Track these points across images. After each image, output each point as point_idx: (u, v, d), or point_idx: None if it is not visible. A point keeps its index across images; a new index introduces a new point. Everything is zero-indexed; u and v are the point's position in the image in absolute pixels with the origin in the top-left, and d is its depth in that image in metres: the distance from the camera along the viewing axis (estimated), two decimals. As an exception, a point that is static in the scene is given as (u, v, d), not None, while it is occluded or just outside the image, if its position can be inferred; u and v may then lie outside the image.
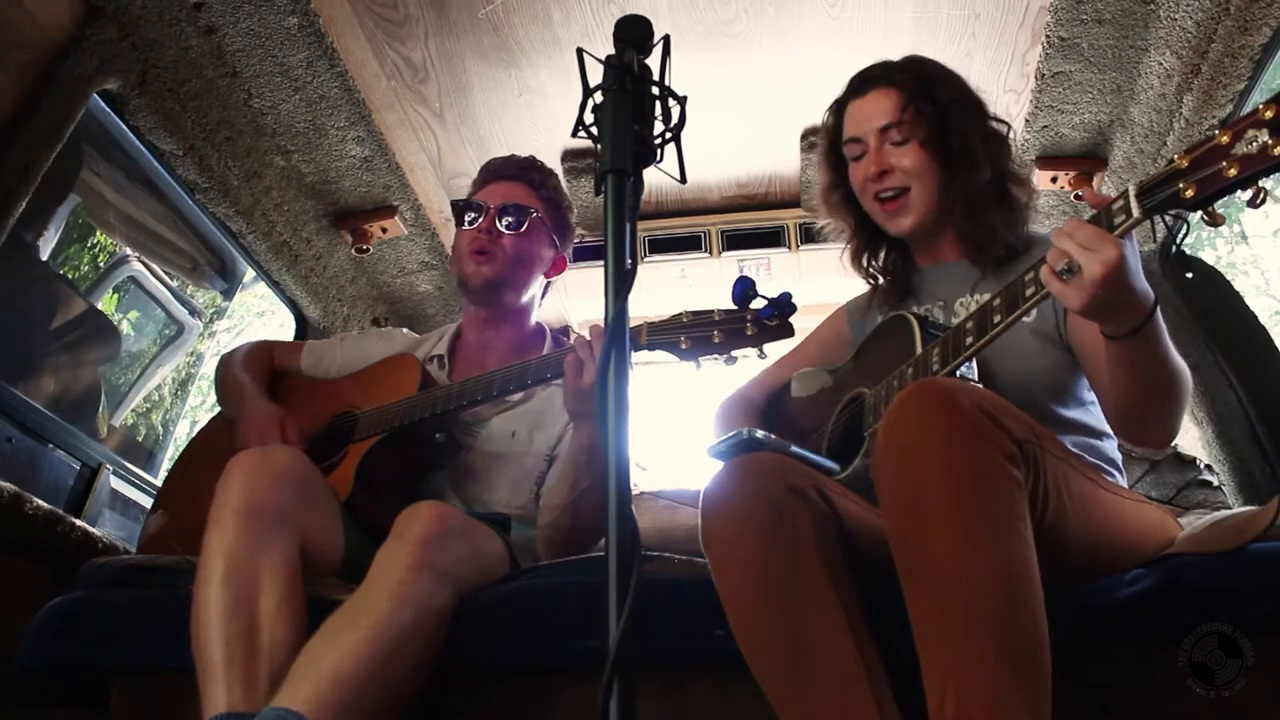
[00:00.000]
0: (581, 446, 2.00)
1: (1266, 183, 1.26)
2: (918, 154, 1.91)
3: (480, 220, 2.31)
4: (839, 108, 2.05)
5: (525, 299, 2.39)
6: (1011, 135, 1.98)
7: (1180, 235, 1.42)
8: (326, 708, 1.41)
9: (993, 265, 1.92)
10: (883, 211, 1.95)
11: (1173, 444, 2.81)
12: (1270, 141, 1.21)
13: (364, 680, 1.46)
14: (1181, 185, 1.29)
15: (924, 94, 1.93)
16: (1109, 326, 1.46)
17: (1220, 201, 1.31)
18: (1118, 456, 1.87)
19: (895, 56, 2.04)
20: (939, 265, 2.01)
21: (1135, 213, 1.35)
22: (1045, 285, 1.42)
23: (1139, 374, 1.52)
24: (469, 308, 2.41)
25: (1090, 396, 1.86)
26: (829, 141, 2.07)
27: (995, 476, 1.31)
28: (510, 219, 2.31)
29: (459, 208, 2.36)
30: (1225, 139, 1.26)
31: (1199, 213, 1.31)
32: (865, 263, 2.11)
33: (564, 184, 2.53)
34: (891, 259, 2.10)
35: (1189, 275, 2.74)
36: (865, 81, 2.00)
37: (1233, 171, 1.24)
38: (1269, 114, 1.21)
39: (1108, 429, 1.86)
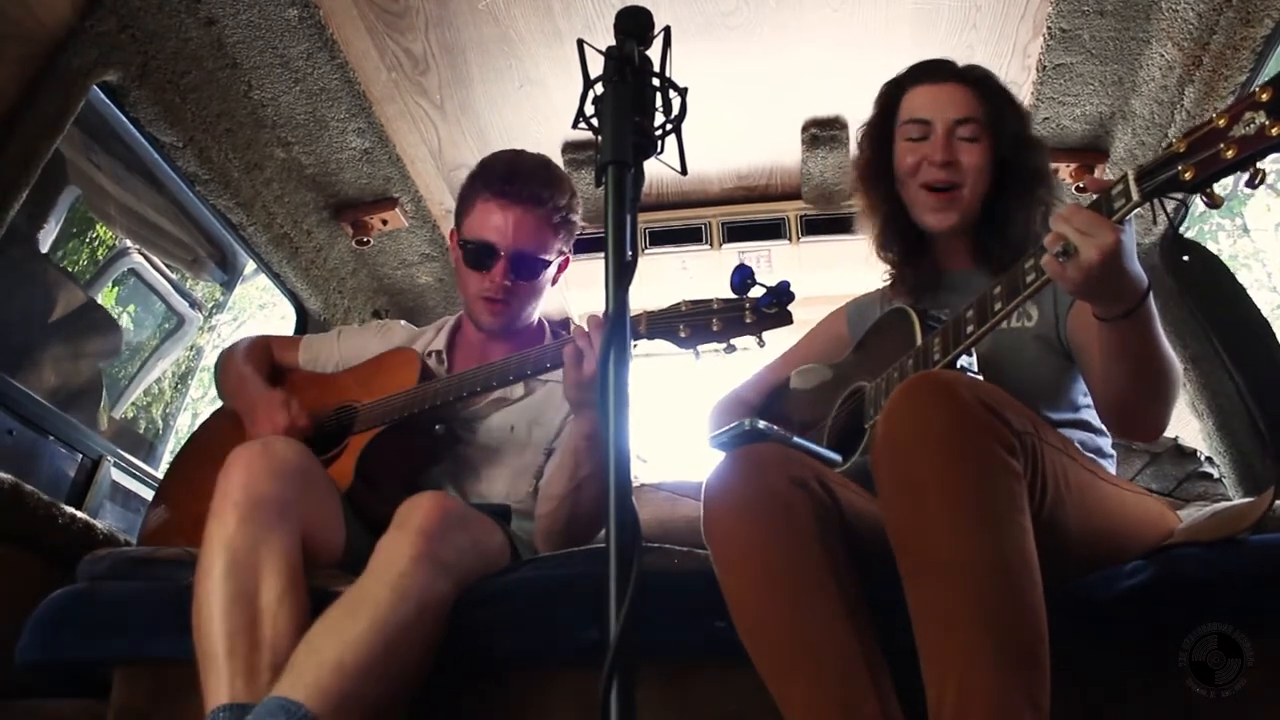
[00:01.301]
0: (583, 434, 1.99)
1: (1265, 165, 1.27)
2: (984, 157, 1.91)
3: (492, 270, 2.18)
4: (899, 88, 2.04)
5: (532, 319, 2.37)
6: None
7: (1180, 222, 1.43)
8: (328, 698, 1.42)
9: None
10: (931, 199, 1.93)
11: (1174, 437, 2.82)
12: (1267, 123, 1.22)
13: (366, 671, 1.47)
14: (1180, 168, 1.31)
15: (1000, 108, 1.95)
16: (1102, 308, 1.47)
17: (1221, 189, 1.31)
18: (1112, 452, 1.87)
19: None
20: (951, 273, 2.01)
21: (1134, 196, 1.36)
22: (1044, 266, 1.43)
23: (1130, 360, 1.53)
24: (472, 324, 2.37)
25: (1085, 401, 1.87)
26: (880, 119, 2.06)
27: (994, 468, 1.31)
28: (524, 269, 2.20)
29: (468, 246, 2.21)
30: (1223, 122, 1.27)
31: (1199, 194, 1.32)
32: (893, 249, 2.07)
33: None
34: (915, 252, 2.07)
35: (1185, 259, 2.73)
36: (939, 70, 2.00)
37: (1230, 153, 1.25)
38: (1265, 96, 1.23)
39: (1101, 426, 1.86)
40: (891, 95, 2.05)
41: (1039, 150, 1.98)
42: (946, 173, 1.91)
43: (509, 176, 2.21)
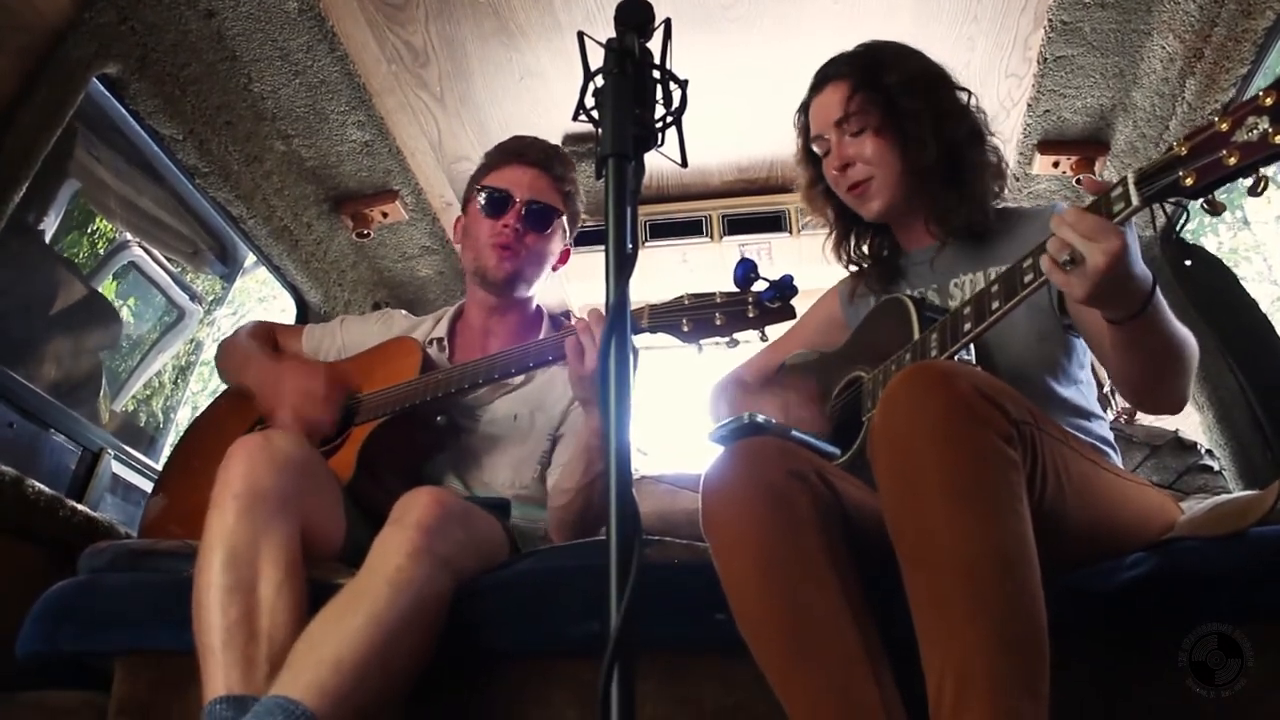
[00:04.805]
0: (594, 431, 1.99)
1: (1267, 170, 1.25)
2: (874, 142, 1.92)
3: (506, 214, 2.28)
4: (804, 110, 2.07)
5: (533, 290, 2.40)
6: (974, 101, 1.98)
7: (1180, 223, 1.41)
8: (327, 695, 1.42)
9: (969, 240, 1.93)
10: (851, 198, 1.97)
11: (1174, 430, 2.82)
12: (1271, 129, 1.20)
13: (364, 667, 1.47)
14: (1181, 173, 1.29)
15: (871, 81, 1.93)
16: (1111, 312, 1.46)
17: (1222, 188, 1.30)
18: (1110, 435, 1.88)
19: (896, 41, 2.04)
20: (924, 249, 2.01)
21: (1134, 200, 1.35)
22: (1048, 275, 1.42)
23: (1145, 352, 1.53)
24: (477, 292, 2.39)
25: (1082, 375, 1.87)
26: (803, 139, 2.09)
27: (991, 457, 1.31)
28: (537, 218, 2.29)
29: (484, 194, 2.31)
30: (1225, 126, 1.25)
31: (1199, 200, 1.31)
32: (848, 251, 2.13)
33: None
34: (876, 244, 2.11)
35: (1188, 263, 2.73)
36: (821, 78, 2.03)
37: (1233, 160, 1.23)
38: (1269, 101, 1.21)
39: (1098, 409, 1.87)
40: (802, 118, 2.09)
41: (928, 87, 1.94)
42: (850, 174, 1.94)
43: (523, 143, 2.40)
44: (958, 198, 1.91)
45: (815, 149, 2.02)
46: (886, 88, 1.92)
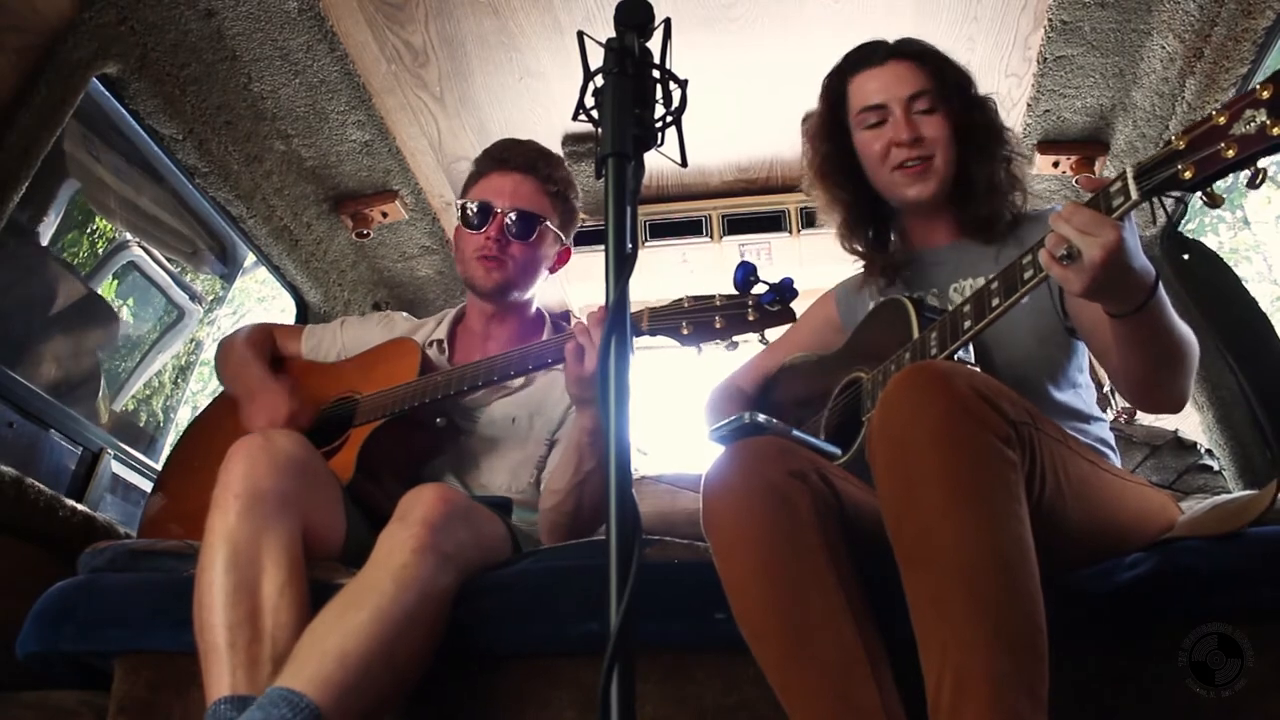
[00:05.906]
0: (584, 430, 1.99)
1: (1266, 163, 1.26)
2: (943, 125, 1.92)
3: (488, 226, 2.25)
4: (841, 79, 2.03)
5: (529, 295, 2.39)
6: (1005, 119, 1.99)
7: (1179, 218, 1.42)
8: (330, 687, 1.42)
9: (978, 244, 1.94)
10: (906, 175, 1.92)
11: (1174, 430, 2.82)
12: (1268, 121, 1.20)
13: (368, 661, 1.47)
14: (1180, 166, 1.29)
15: (944, 75, 1.95)
16: (1112, 306, 1.47)
17: (1221, 183, 1.30)
18: (1109, 437, 1.88)
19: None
20: (932, 249, 2.01)
21: (1133, 194, 1.35)
22: (1045, 270, 1.42)
23: (1146, 348, 1.53)
24: (474, 300, 2.39)
25: (1082, 379, 1.87)
26: (830, 112, 2.05)
27: (990, 458, 1.31)
28: (520, 227, 2.25)
29: (466, 209, 2.28)
30: (1223, 119, 1.25)
31: (1198, 193, 1.31)
32: (860, 238, 2.08)
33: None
34: (882, 239, 2.09)
35: (1185, 257, 2.73)
36: (877, 53, 1.99)
37: (1231, 152, 1.24)
38: (1266, 94, 1.21)
39: (1097, 412, 1.87)
40: (835, 87, 2.05)
41: (987, 107, 1.98)
42: (917, 149, 1.91)
43: (506, 148, 2.36)
44: (988, 208, 1.92)
45: (858, 120, 1.97)
46: (956, 85, 1.95)
